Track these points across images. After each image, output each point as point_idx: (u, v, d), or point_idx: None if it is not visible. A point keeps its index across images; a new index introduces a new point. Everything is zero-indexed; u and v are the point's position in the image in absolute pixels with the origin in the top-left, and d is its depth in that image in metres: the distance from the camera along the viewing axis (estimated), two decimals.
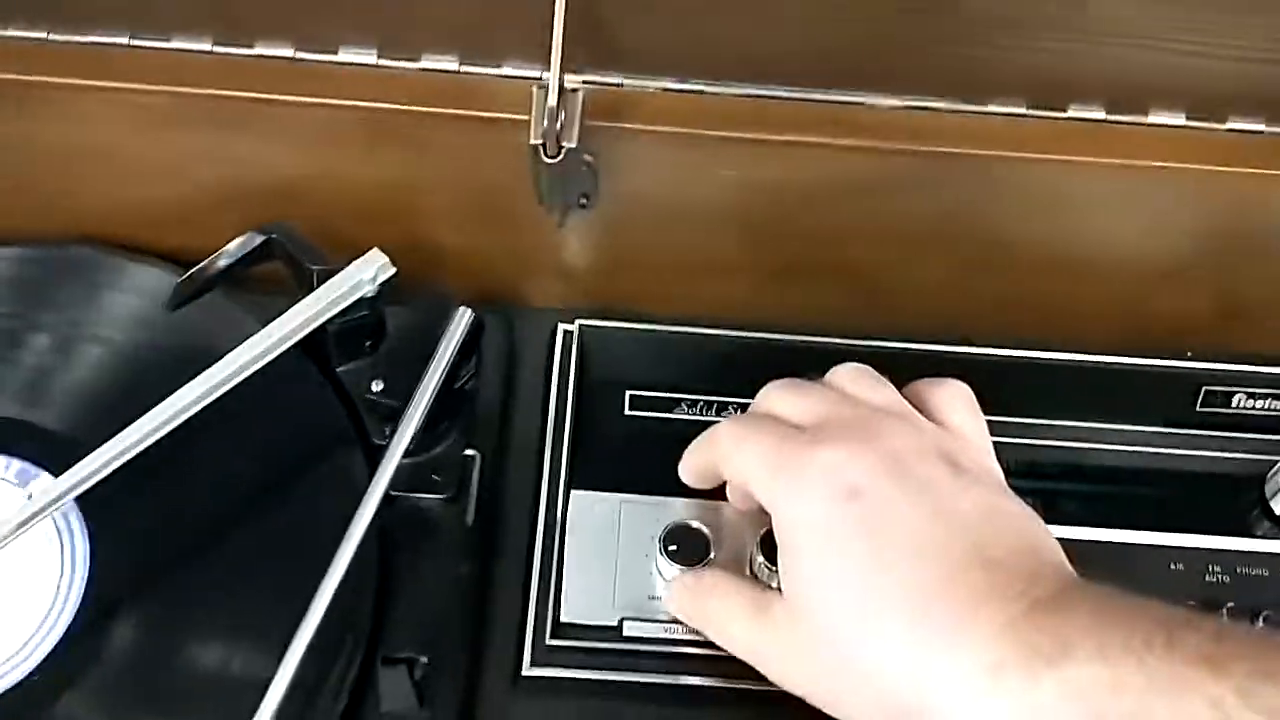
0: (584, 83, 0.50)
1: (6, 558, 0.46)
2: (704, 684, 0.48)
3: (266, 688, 0.43)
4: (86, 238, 0.54)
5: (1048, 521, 0.44)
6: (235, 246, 0.51)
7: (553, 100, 0.44)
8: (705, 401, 0.56)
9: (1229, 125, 0.53)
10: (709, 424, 0.54)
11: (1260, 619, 0.50)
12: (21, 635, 0.46)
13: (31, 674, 0.45)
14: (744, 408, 0.56)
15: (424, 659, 0.47)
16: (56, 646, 0.45)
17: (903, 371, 0.48)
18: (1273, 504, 0.53)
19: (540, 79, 0.46)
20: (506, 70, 0.50)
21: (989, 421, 0.46)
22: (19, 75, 0.50)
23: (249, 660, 0.45)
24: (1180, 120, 0.53)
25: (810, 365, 0.51)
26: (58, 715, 0.44)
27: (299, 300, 0.49)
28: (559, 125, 0.45)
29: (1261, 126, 0.53)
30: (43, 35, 0.51)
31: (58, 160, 0.53)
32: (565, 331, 0.55)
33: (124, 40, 0.50)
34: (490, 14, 0.49)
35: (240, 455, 0.50)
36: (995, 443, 0.46)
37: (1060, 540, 0.44)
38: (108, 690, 0.45)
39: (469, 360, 0.52)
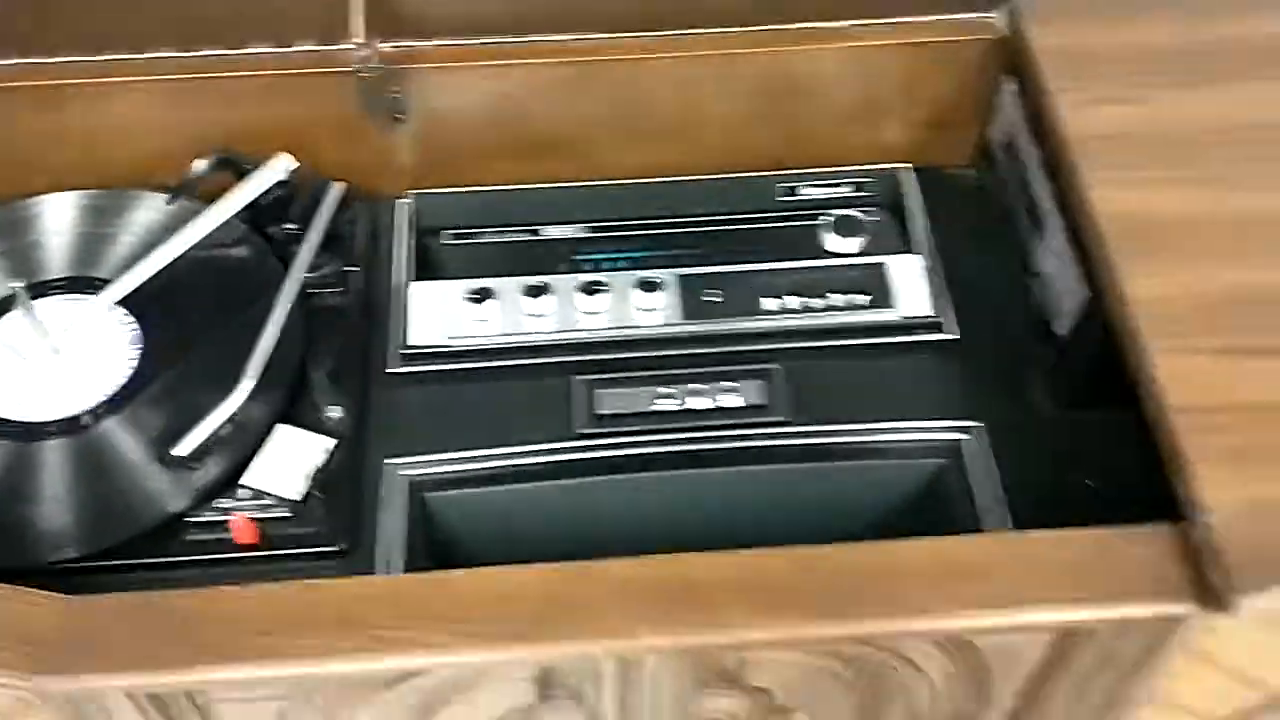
0: (393, 46, 0.88)
1: (90, 340, 0.83)
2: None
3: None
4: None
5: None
6: (202, 164, 0.88)
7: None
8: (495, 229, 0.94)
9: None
10: (503, 243, 0.92)
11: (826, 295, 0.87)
12: (98, 384, 0.82)
13: (98, 405, 0.81)
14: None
15: (336, 409, 0.83)
16: (116, 391, 0.82)
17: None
18: (824, 242, 0.91)
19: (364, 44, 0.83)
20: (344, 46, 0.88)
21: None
22: (69, 80, 0.87)
23: (228, 391, 0.81)
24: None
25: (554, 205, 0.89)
26: (106, 429, 0.80)
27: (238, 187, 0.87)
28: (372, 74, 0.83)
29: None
30: (87, 58, 0.88)
31: (91, 135, 0.90)
32: (403, 203, 0.93)
33: (125, 56, 0.88)
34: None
35: (218, 279, 0.87)
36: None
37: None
38: (140, 415, 0.81)
39: (344, 208, 0.89)
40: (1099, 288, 0.76)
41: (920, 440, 0.82)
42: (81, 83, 0.88)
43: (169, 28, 0.86)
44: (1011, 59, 0.89)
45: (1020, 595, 0.64)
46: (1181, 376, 0.68)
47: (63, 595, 0.64)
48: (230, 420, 0.79)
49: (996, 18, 0.90)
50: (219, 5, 0.85)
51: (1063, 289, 0.83)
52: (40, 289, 0.86)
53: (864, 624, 0.63)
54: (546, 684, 0.70)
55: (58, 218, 0.90)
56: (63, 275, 0.87)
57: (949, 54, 0.91)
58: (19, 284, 0.83)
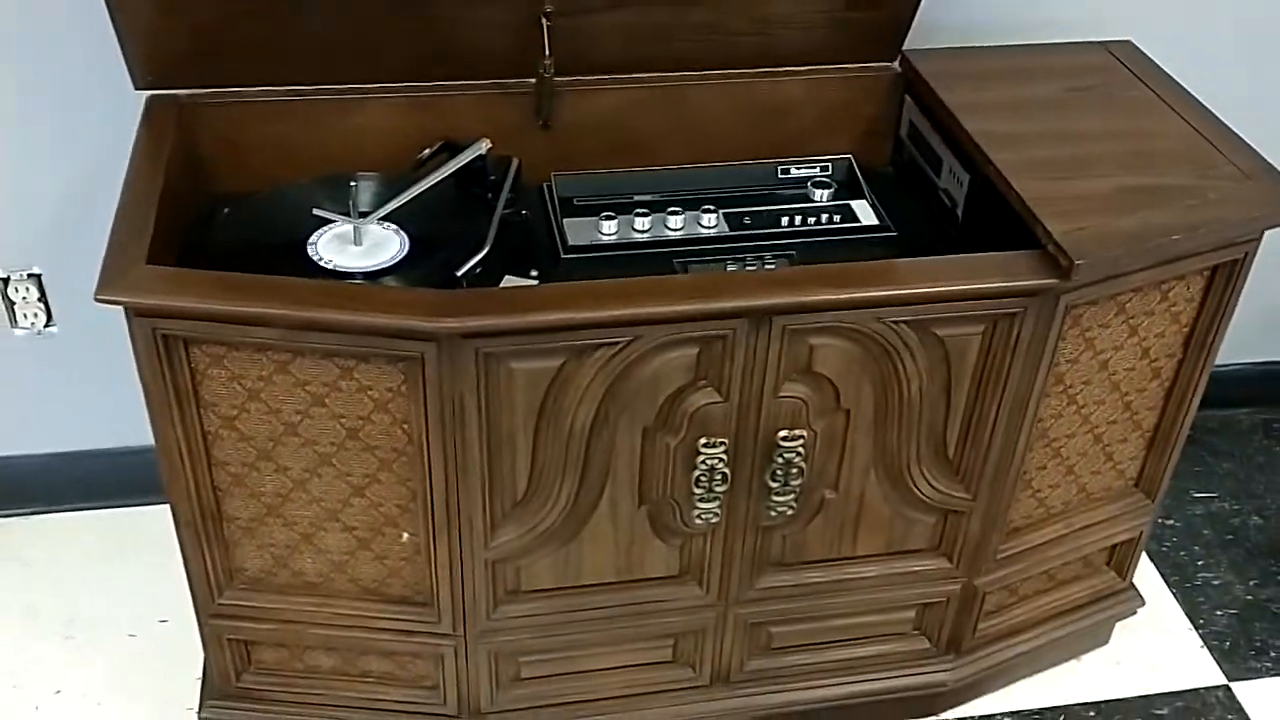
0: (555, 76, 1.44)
1: (377, 234, 1.33)
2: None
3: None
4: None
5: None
6: (430, 150, 1.41)
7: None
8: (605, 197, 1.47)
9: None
10: (611, 203, 1.46)
11: (817, 218, 1.43)
12: (385, 258, 1.31)
13: (382, 268, 1.31)
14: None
15: (534, 272, 1.34)
16: (392, 265, 1.31)
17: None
18: (810, 195, 1.48)
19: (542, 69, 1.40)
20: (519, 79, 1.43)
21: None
22: (350, 98, 1.41)
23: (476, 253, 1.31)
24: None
25: (639, 182, 1.46)
26: (389, 282, 1.29)
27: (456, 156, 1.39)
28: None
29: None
30: (360, 83, 1.41)
31: (356, 134, 1.42)
32: (552, 179, 1.47)
33: (382, 84, 1.42)
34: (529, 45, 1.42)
35: (437, 213, 1.38)
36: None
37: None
38: (406, 277, 1.30)
39: (519, 177, 1.42)
40: (977, 170, 1.35)
41: None
42: (356, 98, 1.41)
43: (413, 66, 1.41)
44: (907, 85, 1.52)
45: (965, 279, 1.18)
46: (1031, 189, 1.27)
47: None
48: (480, 264, 1.29)
49: (895, 65, 1.53)
50: (443, 50, 1.41)
51: (955, 188, 1.42)
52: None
53: (881, 290, 1.16)
54: (698, 370, 1.19)
55: (365, 185, 1.41)
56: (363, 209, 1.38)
57: (870, 85, 1.53)
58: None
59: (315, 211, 1.31)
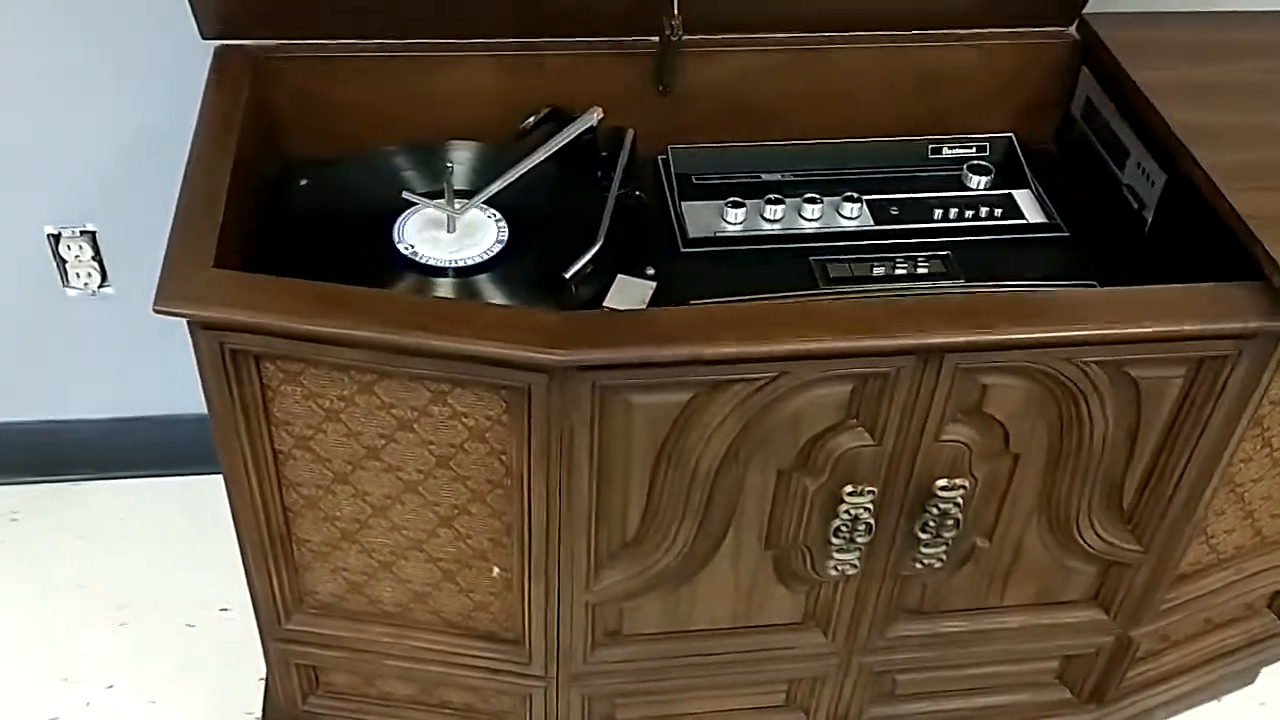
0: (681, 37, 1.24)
1: (472, 219, 1.15)
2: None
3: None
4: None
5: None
6: (535, 119, 1.22)
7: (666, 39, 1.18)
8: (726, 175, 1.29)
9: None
10: (733, 184, 1.27)
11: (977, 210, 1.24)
12: (480, 249, 1.14)
13: (478, 265, 1.14)
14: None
15: (650, 269, 1.16)
16: (489, 259, 1.14)
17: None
18: (966, 180, 1.28)
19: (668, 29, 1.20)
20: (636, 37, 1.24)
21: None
22: (437, 54, 1.22)
23: (585, 250, 1.13)
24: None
25: (767, 159, 1.26)
26: (485, 280, 1.12)
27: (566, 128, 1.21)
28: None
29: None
30: (450, 39, 1.23)
31: (446, 96, 1.24)
32: (668, 152, 1.28)
33: (478, 40, 1.23)
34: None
35: (539, 193, 1.20)
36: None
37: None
38: (505, 274, 1.13)
39: (634, 150, 1.24)
40: (1176, 170, 1.14)
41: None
42: (450, 55, 1.23)
43: (516, 20, 1.22)
44: (1084, 54, 1.30)
45: (1176, 318, 0.99)
46: (1248, 202, 1.06)
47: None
48: (590, 262, 1.11)
49: (1073, 30, 1.31)
50: (551, 3, 1.22)
51: (1143, 186, 1.21)
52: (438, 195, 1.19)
53: (1079, 330, 0.98)
54: (850, 409, 1.02)
55: (459, 155, 1.24)
56: (459, 188, 1.19)
57: (1041, 53, 1.32)
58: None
59: (405, 195, 1.14)
